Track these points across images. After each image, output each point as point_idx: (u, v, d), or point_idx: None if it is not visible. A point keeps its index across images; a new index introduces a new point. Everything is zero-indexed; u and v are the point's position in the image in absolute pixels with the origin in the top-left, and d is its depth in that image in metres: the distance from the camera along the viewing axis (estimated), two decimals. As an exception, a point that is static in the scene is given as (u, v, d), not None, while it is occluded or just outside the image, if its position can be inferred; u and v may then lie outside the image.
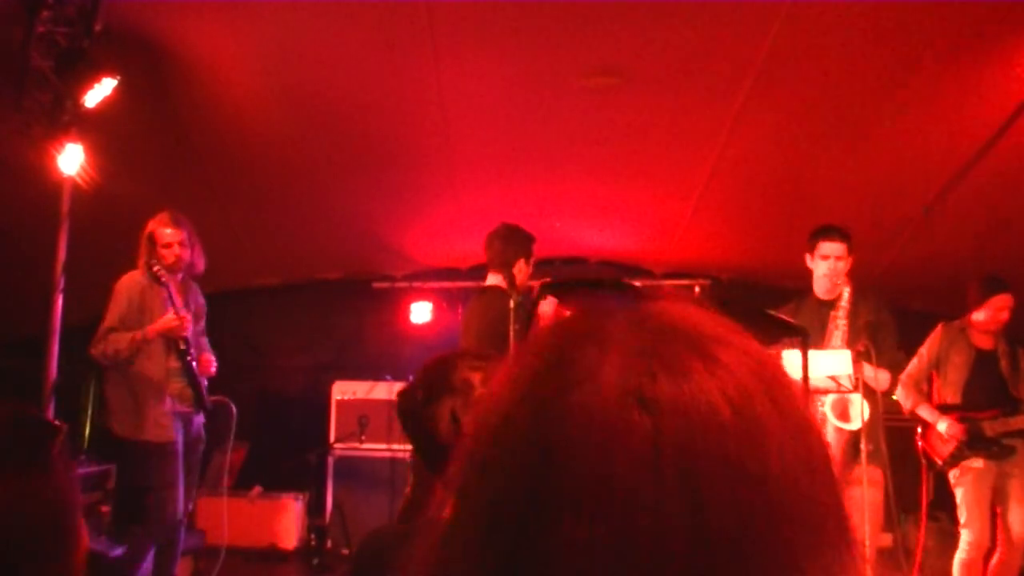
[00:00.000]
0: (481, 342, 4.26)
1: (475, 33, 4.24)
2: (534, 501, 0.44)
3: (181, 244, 4.34)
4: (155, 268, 4.28)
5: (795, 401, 0.49)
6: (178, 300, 4.34)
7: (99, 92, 4.05)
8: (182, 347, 4.34)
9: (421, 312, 7.62)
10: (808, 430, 0.48)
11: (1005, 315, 4.58)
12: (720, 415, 0.45)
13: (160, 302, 4.32)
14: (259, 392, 7.37)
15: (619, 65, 4.43)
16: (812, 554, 0.45)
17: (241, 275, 7.11)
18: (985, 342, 4.66)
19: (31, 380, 4.39)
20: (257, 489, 6.52)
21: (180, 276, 4.43)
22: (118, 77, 4.05)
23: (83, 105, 4.09)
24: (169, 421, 4.26)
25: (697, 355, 0.47)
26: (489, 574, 0.46)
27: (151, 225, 4.37)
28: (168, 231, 4.33)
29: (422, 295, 7.67)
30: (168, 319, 4.29)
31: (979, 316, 4.61)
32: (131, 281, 4.33)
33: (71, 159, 4.23)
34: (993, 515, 4.48)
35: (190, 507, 4.58)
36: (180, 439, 4.30)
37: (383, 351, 7.43)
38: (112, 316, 4.27)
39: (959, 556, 4.40)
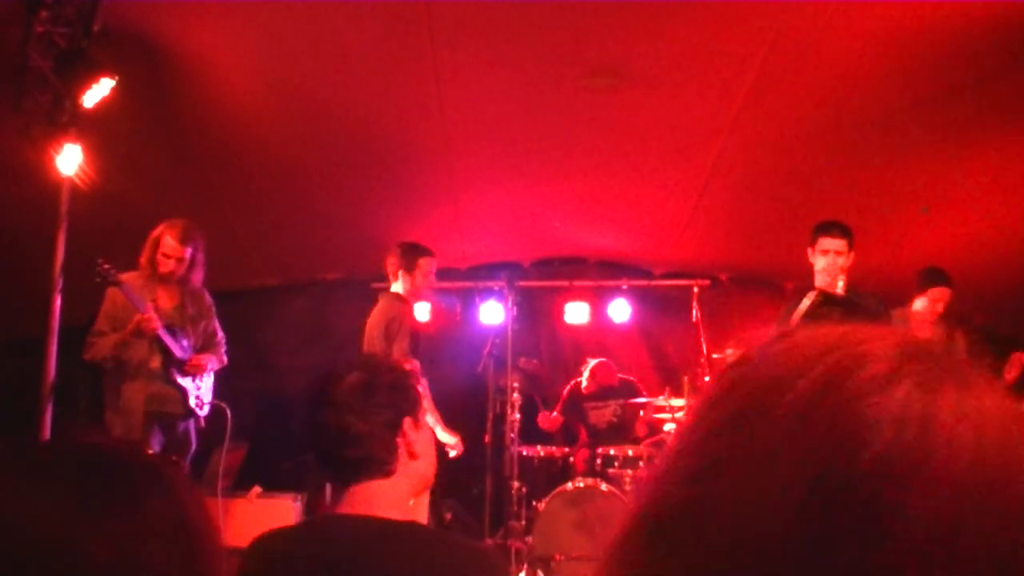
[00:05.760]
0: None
1: (474, 33, 4.23)
2: (847, 472, 0.48)
3: (179, 260, 4.40)
4: (149, 269, 4.36)
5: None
6: (147, 298, 4.37)
7: (97, 92, 4.04)
8: (178, 354, 4.37)
9: (419, 312, 7.60)
10: None
11: (940, 307, 4.67)
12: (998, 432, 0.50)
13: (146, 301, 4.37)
14: (258, 392, 7.34)
15: (619, 65, 4.42)
16: None
17: (240, 275, 7.10)
18: (922, 333, 4.67)
19: (30, 380, 4.37)
20: (256, 489, 6.49)
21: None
22: (116, 77, 4.04)
23: (82, 105, 4.07)
24: (138, 423, 4.25)
25: (967, 381, 0.52)
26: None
27: (162, 228, 4.41)
28: (171, 243, 4.39)
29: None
30: (137, 318, 4.31)
31: (918, 305, 4.70)
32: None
33: (70, 159, 4.22)
34: None
35: None
36: (155, 442, 4.31)
37: (382, 351, 7.41)
38: (99, 319, 4.37)
39: None
